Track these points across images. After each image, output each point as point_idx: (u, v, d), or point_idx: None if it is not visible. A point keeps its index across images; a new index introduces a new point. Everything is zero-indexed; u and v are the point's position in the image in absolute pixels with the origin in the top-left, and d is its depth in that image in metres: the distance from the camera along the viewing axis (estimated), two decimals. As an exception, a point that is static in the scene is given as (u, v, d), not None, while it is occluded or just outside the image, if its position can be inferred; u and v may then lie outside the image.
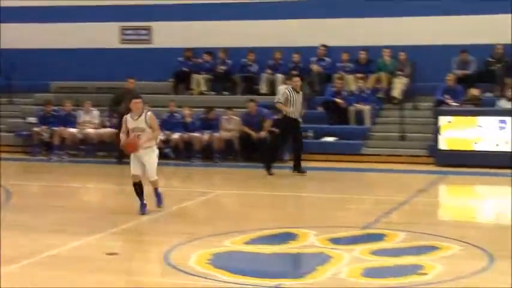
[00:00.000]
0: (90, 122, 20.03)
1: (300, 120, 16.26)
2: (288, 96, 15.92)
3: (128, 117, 11.61)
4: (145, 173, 11.57)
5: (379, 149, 18.68)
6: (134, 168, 11.56)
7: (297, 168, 16.14)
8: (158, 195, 11.77)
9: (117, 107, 18.45)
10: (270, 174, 16.06)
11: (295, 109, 15.94)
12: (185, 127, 19.20)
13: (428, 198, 13.99)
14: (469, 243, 9.63)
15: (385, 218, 11.60)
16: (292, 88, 16.08)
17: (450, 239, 9.89)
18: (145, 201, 11.64)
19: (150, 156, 11.55)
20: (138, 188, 11.61)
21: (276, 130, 17.63)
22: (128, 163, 11.57)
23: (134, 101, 11.67)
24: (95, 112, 20.18)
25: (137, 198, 11.60)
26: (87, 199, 14.57)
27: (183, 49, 21.83)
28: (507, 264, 8.63)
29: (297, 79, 16.30)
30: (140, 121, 11.49)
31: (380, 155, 18.48)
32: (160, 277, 8.30)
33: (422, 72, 19.62)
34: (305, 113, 16.78)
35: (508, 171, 16.16)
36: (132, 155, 11.58)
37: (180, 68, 21.77)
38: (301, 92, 16.24)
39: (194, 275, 8.22)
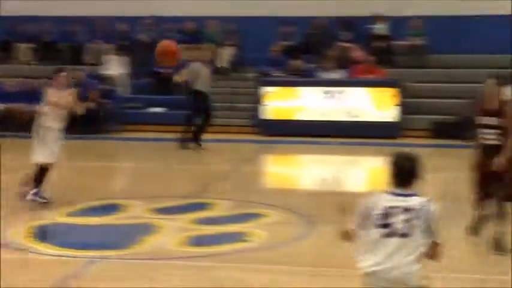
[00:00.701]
0: None
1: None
2: (196, 70, 15.87)
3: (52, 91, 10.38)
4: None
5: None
6: (51, 155, 10.30)
7: (195, 140, 15.87)
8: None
9: None
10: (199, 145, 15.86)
11: (202, 82, 15.84)
12: (9, 98, 18.63)
13: (252, 167, 14.32)
14: (291, 210, 9.96)
15: (210, 187, 11.80)
16: (200, 62, 16.07)
17: (273, 206, 10.17)
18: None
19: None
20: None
21: (104, 101, 17.35)
22: None
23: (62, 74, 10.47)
24: None
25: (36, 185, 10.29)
26: None
27: (6, 17, 21.09)
28: (327, 229, 8.97)
29: (205, 53, 16.31)
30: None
31: (208, 125, 18.62)
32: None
33: (249, 43, 19.87)
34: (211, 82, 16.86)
35: (328, 139, 16.72)
36: (40, 137, 10.24)
37: (2, 37, 21.06)
38: (208, 66, 16.34)
39: (14, 248, 8.06)
